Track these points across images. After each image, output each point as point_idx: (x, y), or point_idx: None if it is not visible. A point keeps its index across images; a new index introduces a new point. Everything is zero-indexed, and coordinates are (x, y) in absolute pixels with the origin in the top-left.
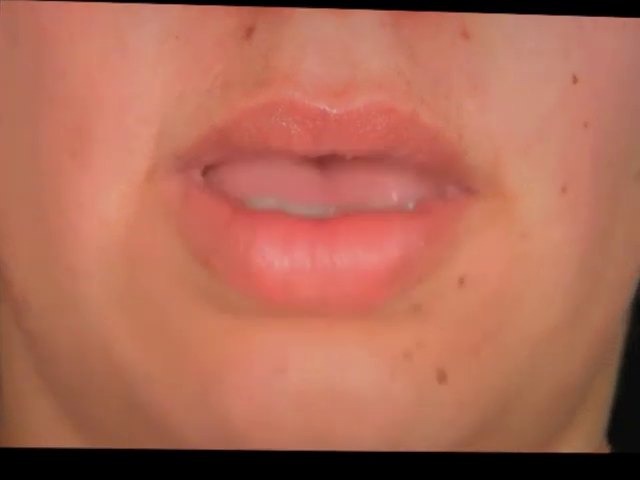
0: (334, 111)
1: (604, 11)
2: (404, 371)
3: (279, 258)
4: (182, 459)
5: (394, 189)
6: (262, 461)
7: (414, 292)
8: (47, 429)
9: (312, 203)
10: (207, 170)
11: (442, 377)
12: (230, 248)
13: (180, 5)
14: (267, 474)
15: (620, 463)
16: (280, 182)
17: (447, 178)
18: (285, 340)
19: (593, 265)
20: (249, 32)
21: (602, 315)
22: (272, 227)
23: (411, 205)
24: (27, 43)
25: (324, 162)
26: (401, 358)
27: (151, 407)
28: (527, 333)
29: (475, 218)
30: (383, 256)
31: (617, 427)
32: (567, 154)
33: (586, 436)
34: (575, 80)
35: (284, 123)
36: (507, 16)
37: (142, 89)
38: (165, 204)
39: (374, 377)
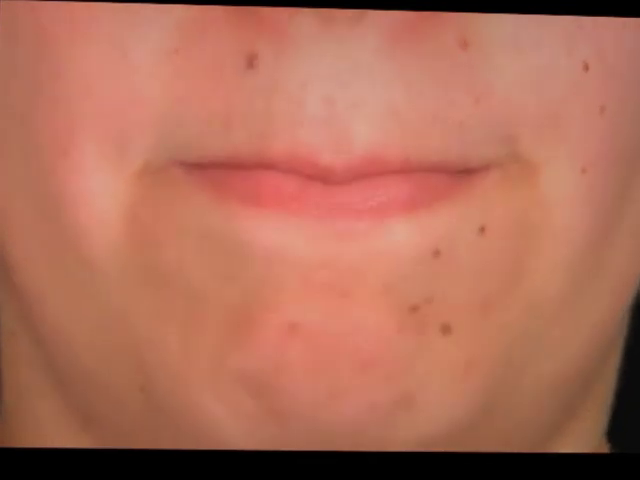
0: (333, 166)
1: (604, 11)
2: (411, 324)
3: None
4: (186, 459)
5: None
6: (263, 461)
7: (434, 233)
8: (53, 428)
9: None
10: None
11: (447, 331)
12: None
13: (180, 14)
14: (268, 474)
15: (620, 463)
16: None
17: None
18: (296, 300)
19: (601, 248)
20: (250, 62)
21: (605, 303)
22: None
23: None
24: (27, 42)
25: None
26: (408, 312)
27: (167, 388)
28: (532, 303)
29: (496, 179)
30: (400, 191)
31: (617, 427)
32: (586, 137)
33: (586, 433)
34: (587, 67)
35: (279, 177)
36: (506, 17)
37: (140, 96)
38: (166, 190)
39: (383, 331)
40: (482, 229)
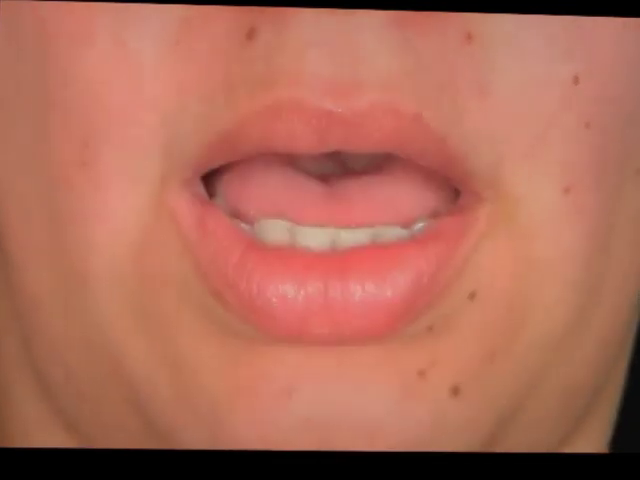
0: (339, 110)
1: (604, 11)
2: (419, 389)
3: (293, 297)
4: (180, 459)
5: (403, 205)
6: (260, 461)
7: (426, 315)
8: (39, 432)
9: (322, 223)
10: (216, 190)
11: (456, 392)
12: (243, 286)
13: (180, 10)
14: (266, 474)
15: (620, 463)
16: (290, 202)
17: (451, 182)
18: (295, 364)
19: (599, 262)
20: (250, 34)
21: (608, 313)
22: (285, 265)
23: (421, 225)
24: (31, 45)
25: (332, 180)
26: (415, 377)
27: (158, 418)
28: (537, 335)
29: (481, 226)
30: (395, 289)
31: (617, 427)
32: (569, 155)
33: (592, 443)
34: (577, 81)
35: (289, 123)
36: (509, 17)
37: (145, 98)
38: (177, 226)
39: (388, 398)
40: (472, 295)
